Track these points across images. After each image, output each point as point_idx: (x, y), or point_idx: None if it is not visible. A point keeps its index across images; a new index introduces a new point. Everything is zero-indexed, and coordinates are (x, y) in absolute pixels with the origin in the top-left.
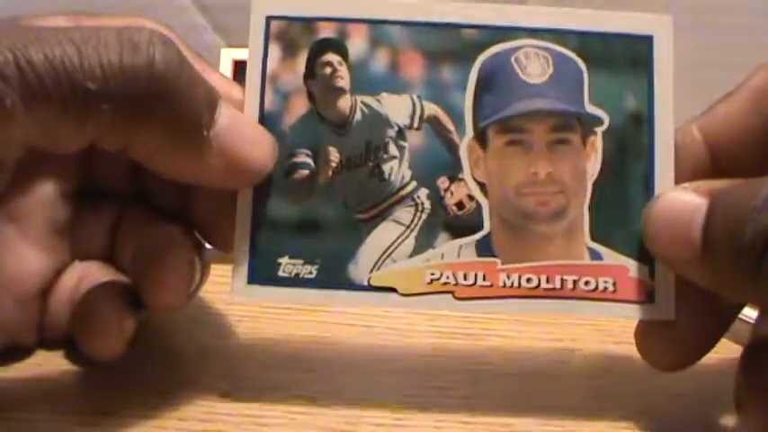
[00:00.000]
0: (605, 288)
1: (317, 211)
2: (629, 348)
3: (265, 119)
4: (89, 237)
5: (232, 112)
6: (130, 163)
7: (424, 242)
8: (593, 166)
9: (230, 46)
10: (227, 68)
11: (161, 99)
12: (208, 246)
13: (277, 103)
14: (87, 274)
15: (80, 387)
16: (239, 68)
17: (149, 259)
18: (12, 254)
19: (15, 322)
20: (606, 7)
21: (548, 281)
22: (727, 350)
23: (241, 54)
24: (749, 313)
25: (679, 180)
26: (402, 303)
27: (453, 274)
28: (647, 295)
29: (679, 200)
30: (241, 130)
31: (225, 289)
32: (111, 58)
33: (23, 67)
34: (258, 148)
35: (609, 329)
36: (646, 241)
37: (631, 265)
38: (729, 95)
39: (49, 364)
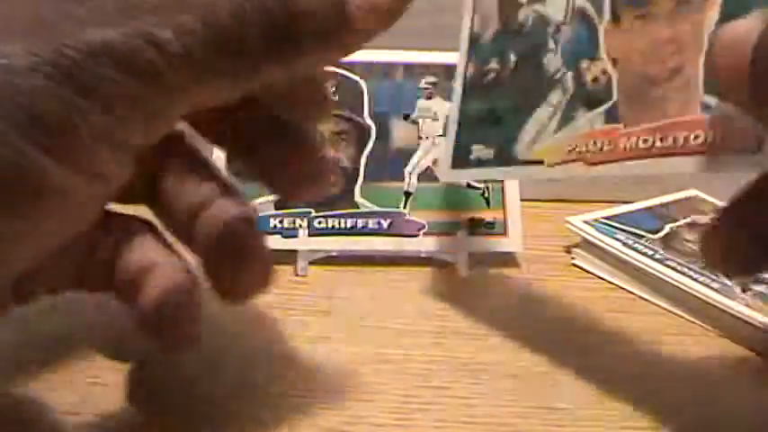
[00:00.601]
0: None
1: (497, 105)
2: (630, 348)
3: (472, 39)
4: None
5: None
6: None
7: (567, 117)
8: (711, 20)
9: None
10: None
11: (298, 28)
12: None
13: (478, 24)
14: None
15: (80, 387)
16: None
17: (227, 251)
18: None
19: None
20: None
21: (661, 140)
22: (727, 350)
23: None
24: (753, 315)
25: None
26: (548, 173)
27: (585, 143)
28: (755, 145)
29: (736, 27)
30: None
31: None
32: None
33: (186, 40)
34: None
35: (609, 329)
36: (714, 65)
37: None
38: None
39: (49, 363)
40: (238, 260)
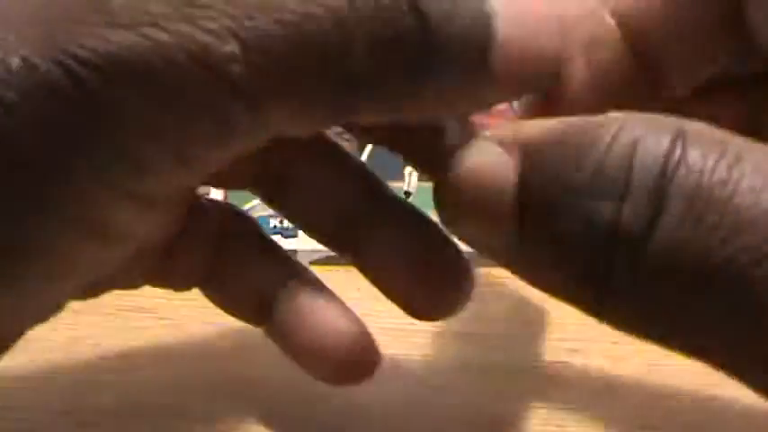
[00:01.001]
0: None
1: None
2: (631, 349)
3: None
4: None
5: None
6: None
7: None
8: None
9: None
10: None
11: (438, 52)
12: None
13: None
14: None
15: (80, 387)
16: None
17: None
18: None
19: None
20: None
21: None
22: None
23: None
24: None
25: (604, 94)
26: None
27: None
28: None
29: (483, 162)
30: (521, 13)
31: None
32: (369, 15)
33: (256, 59)
34: (546, 31)
35: (609, 329)
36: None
37: None
38: None
39: (49, 363)
40: None
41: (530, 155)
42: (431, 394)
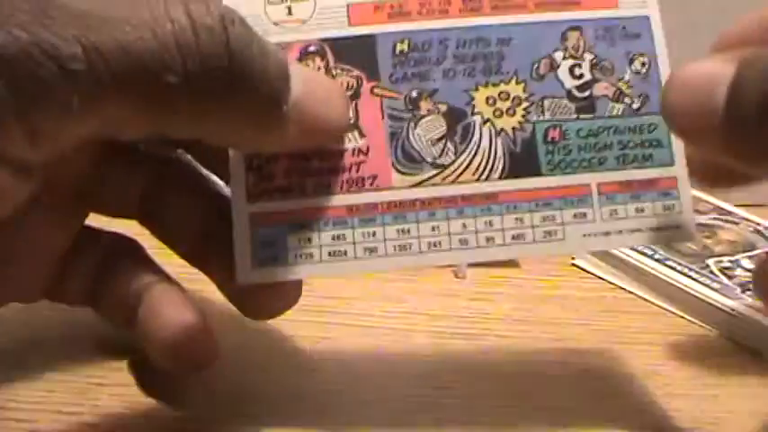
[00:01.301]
0: None
1: None
2: (630, 348)
3: None
4: (118, 201)
5: (302, 73)
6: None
7: None
8: None
9: None
10: None
11: (238, 85)
12: None
13: None
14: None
15: (81, 387)
16: None
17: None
18: (35, 221)
19: (29, 287)
20: None
21: None
22: (726, 351)
23: None
24: (753, 315)
25: None
26: None
27: None
28: None
29: (701, 65)
30: (315, 90)
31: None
32: (189, 44)
33: (95, 61)
34: (335, 105)
35: (609, 329)
36: (665, 115)
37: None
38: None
39: (49, 363)
40: None
41: (748, 57)
42: (431, 394)
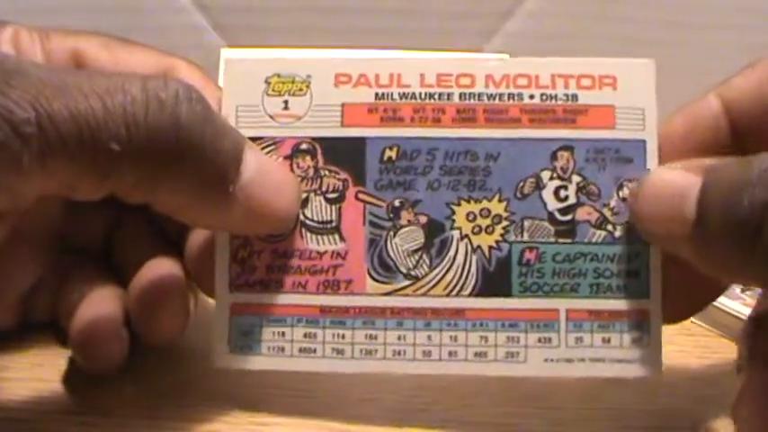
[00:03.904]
0: None
1: None
2: None
3: None
4: (84, 238)
5: (257, 159)
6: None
7: None
8: None
9: (230, 46)
10: None
11: (185, 159)
12: None
13: None
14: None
15: (80, 387)
16: None
17: (149, 302)
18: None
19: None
20: None
21: None
22: (726, 350)
23: (241, 54)
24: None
25: (696, 153)
26: None
27: None
28: None
29: (670, 177)
30: (266, 178)
31: None
32: (136, 116)
33: (45, 125)
34: (284, 196)
35: None
36: (636, 220)
37: None
38: (750, 66)
39: (49, 364)
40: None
41: (712, 170)
42: (431, 394)
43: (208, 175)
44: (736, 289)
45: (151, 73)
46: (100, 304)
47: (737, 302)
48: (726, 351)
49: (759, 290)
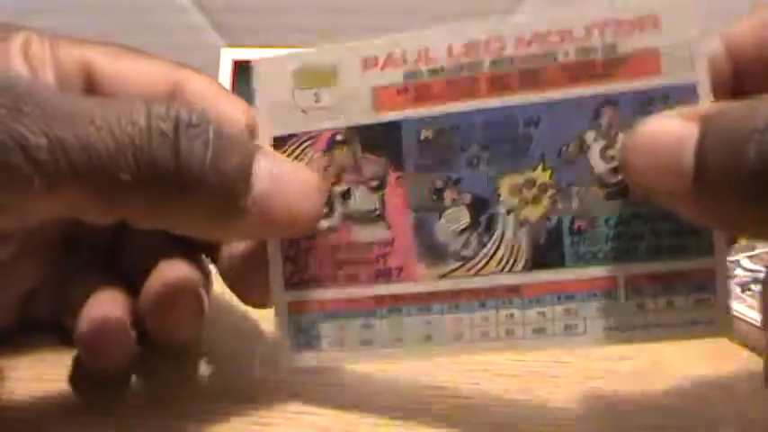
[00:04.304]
0: None
1: None
2: (629, 348)
3: None
4: (90, 238)
5: (272, 166)
6: None
7: None
8: None
9: (230, 46)
10: (227, 68)
11: (188, 188)
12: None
13: None
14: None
15: (82, 386)
16: (239, 68)
17: (164, 304)
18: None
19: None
20: None
21: None
22: (727, 350)
23: (241, 54)
24: (753, 315)
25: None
26: None
27: None
28: None
29: (665, 126)
30: (284, 183)
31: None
32: (143, 148)
33: (57, 153)
34: (305, 199)
35: None
36: (626, 173)
37: None
38: (755, 9)
39: (51, 363)
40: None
41: (711, 117)
42: (431, 394)
43: (214, 199)
44: (737, 289)
45: (160, 86)
46: (107, 304)
47: (737, 302)
48: (726, 351)
49: (759, 290)
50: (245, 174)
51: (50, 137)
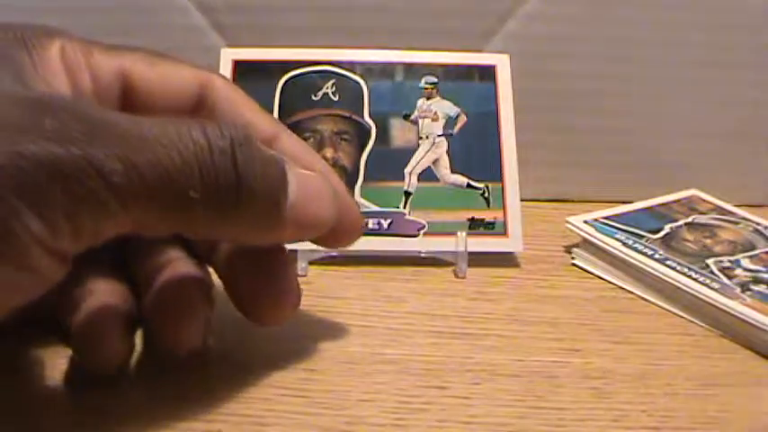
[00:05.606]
0: None
1: None
2: (629, 348)
3: None
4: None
5: (296, 174)
6: None
7: None
8: None
9: (230, 46)
10: (227, 68)
11: (245, 200)
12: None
13: None
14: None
15: (80, 386)
16: (239, 68)
17: (166, 312)
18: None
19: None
20: None
21: None
22: (727, 351)
23: (241, 54)
24: (753, 315)
25: None
26: None
27: None
28: None
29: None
30: (306, 191)
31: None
32: (207, 164)
33: (132, 176)
34: (323, 204)
35: (609, 329)
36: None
37: None
38: None
39: (49, 364)
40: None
41: None
42: (431, 394)
43: (264, 207)
44: (737, 289)
45: (190, 91)
46: (105, 295)
47: (737, 302)
48: (726, 351)
49: (759, 290)
50: (284, 180)
51: (124, 161)
